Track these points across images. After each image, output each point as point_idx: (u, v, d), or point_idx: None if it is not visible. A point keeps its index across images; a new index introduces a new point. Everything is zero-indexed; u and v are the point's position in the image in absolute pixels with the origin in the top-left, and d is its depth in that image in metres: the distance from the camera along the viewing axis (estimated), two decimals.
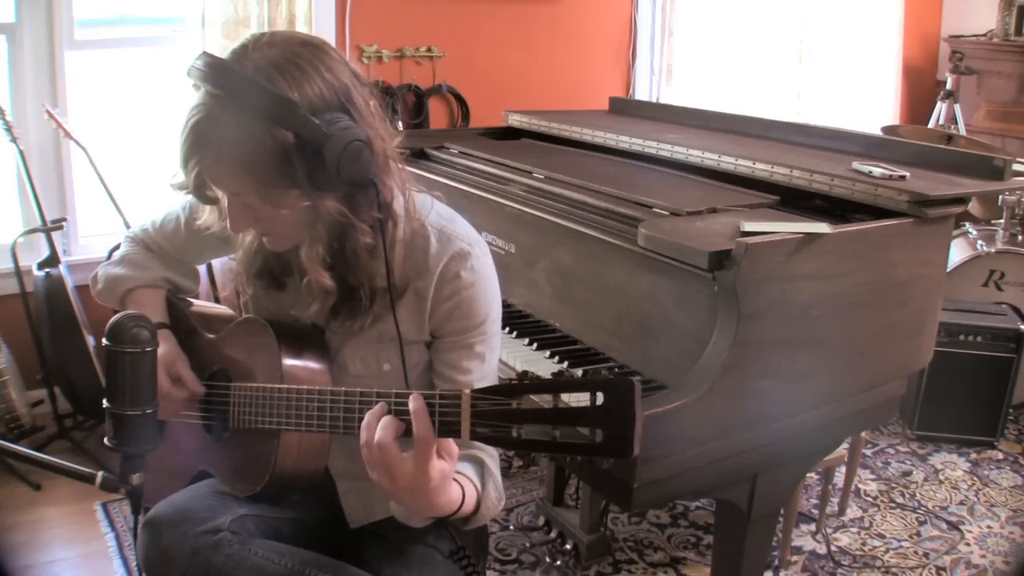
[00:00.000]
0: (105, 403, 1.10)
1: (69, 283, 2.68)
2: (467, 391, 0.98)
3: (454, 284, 1.27)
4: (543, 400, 0.93)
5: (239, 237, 1.34)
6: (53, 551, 2.31)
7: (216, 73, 1.09)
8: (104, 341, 1.09)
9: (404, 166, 1.28)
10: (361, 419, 1.12)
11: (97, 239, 2.97)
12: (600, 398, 0.89)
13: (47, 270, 2.68)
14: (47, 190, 2.84)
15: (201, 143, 1.12)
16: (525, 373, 0.95)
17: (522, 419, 0.93)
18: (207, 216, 1.31)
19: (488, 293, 1.30)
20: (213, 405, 1.37)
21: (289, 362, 1.28)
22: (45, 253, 2.71)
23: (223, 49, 3.13)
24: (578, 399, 0.91)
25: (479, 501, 1.21)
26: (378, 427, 1.03)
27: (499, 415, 0.94)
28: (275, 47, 1.14)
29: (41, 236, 2.71)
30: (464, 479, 1.19)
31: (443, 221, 1.31)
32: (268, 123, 1.09)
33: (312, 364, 1.31)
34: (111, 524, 2.40)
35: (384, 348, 1.31)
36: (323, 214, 1.18)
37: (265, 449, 1.27)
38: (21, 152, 2.64)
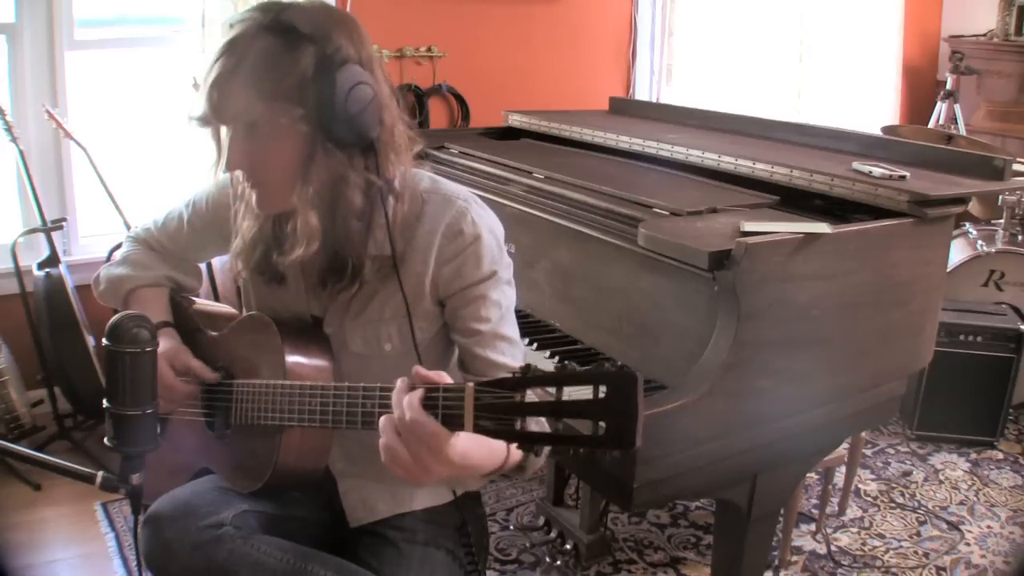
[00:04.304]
0: (105, 403, 1.10)
1: (69, 283, 2.68)
2: (470, 384, 0.98)
3: (458, 242, 1.28)
4: (546, 394, 0.94)
5: (236, 227, 1.34)
6: (53, 551, 2.31)
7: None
8: (104, 341, 1.09)
9: (413, 157, 1.30)
10: (365, 412, 1.13)
11: (97, 239, 2.97)
12: (603, 391, 0.89)
13: (47, 270, 2.68)
14: (47, 190, 2.84)
15: (232, 48, 1.16)
16: (528, 366, 0.96)
17: (525, 412, 0.94)
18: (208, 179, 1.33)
19: (492, 243, 1.30)
20: (215, 402, 1.38)
21: (292, 358, 1.28)
22: (45, 253, 2.71)
23: None
24: (581, 392, 0.91)
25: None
26: (405, 404, 1.01)
27: (502, 408, 0.95)
28: (314, 5, 1.23)
29: (41, 236, 2.71)
30: None
31: (435, 184, 1.33)
32: (299, 38, 1.16)
33: (315, 360, 1.31)
34: (111, 524, 2.40)
35: (385, 327, 1.32)
36: (319, 155, 1.20)
37: (267, 446, 1.27)
38: (21, 152, 2.64)
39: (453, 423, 0.99)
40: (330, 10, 1.23)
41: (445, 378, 1.04)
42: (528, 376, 0.94)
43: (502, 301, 1.31)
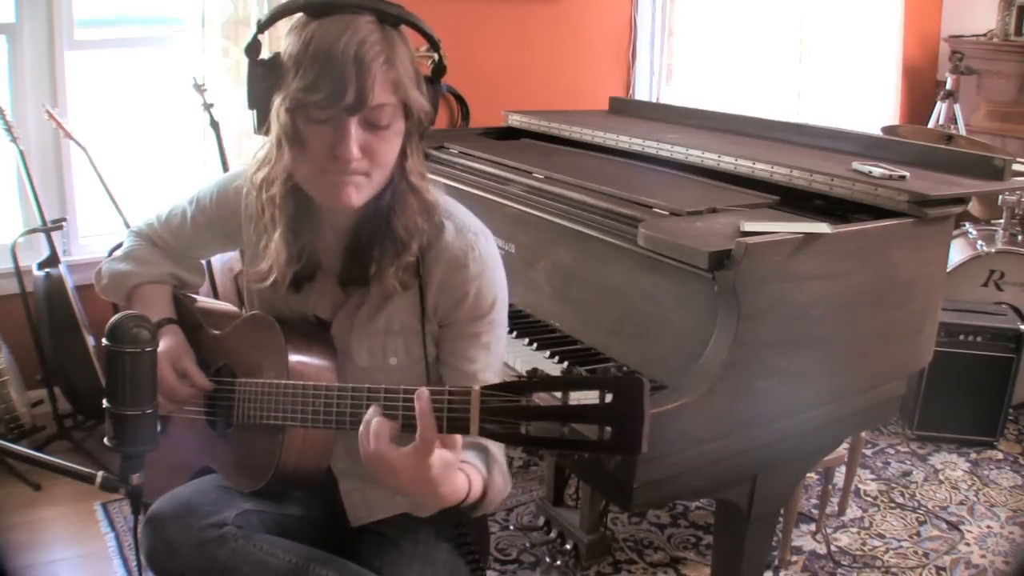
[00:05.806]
0: (105, 403, 1.10)
1: (69, 283, 2.68)
2: (476, 388, 0.98)
3: (460, 275, 1.27)
4: (552, 398, 0.93)
5: (265, 250, 1.32)
6: (53, 551, 2.31)
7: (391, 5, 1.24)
8: (104, 341, 1.09)
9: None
10: None
11: (97, 239, 2.97)
12: (609, 396, 0.89)
13: (47, 270, 2.68)
14: (47, 190, 2.84)
15: (368, 34, 1.17)
16: (535, 370, 0.95)
17: (531, 416, 0.93)
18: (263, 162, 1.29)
19: (494, 282, 1.30)
20: (217, 401, 1.38)
21: (295, 358, 1.28)
22: (45, 253, 2.71)
23: (223, 49, 3.13)
24: (587, 396, 0.91)
25: (486, 487, 1.20)
26: (371, 435, 1.03)
27: (508, 412, 0.94)
28: None
29: (41, 236, 2.71)
30: (469, 467, 1.18)
31: (450, 209, 1.33)
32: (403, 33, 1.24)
33: (318, 361, 1.31)
34: (111, 524, 2.40)
35: (391, 341, 1.31)
36: (415, 143, 1.28)
37: (269, 446, 1.27)
38: (21, 152, 2.64)
39: (459, 426, 0.99)
40: None
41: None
42: (534, 380, 0.94)
43: (492, 344, 1.30)
